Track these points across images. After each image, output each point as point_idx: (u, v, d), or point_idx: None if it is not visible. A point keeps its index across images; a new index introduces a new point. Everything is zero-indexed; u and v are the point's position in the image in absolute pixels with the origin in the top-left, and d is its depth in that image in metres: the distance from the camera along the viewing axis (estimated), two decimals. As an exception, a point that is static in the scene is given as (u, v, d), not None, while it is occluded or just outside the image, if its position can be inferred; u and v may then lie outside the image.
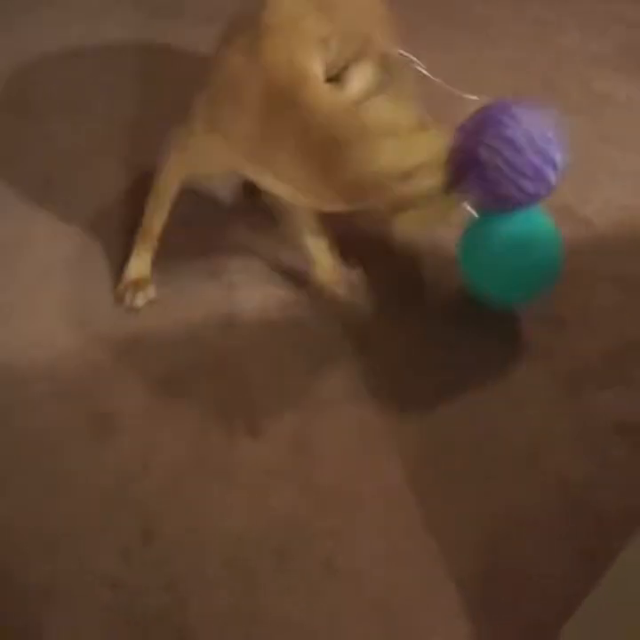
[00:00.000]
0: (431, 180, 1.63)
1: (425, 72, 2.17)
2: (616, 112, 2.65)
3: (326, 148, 1.61)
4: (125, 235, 2.05)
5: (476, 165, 1.71)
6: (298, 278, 2.03)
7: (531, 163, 1.72)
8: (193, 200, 2.12)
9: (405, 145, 1.62)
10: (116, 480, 1.65)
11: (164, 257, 2.00)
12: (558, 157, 1.75)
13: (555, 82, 2.75)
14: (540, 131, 1.73)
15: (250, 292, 1.99)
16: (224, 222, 2.14)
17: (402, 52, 2.04)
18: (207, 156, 1.83)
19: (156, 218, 1.94)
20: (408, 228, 1.84)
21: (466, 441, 1.78)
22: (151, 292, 1.94)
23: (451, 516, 1.64)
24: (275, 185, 1.74)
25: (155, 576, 1.52)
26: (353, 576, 1.55)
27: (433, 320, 1.99)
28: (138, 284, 1.93)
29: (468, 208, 1.87)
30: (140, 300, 1.92)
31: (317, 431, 1.76)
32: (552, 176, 1.75)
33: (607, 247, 2.23)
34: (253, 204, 2.12)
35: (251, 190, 2.11)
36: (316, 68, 1.78)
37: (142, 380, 1.80)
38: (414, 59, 2.14)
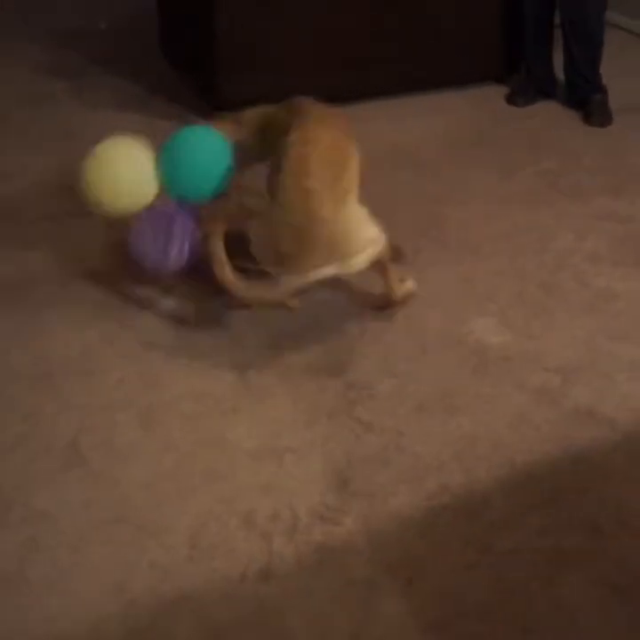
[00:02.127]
0: None
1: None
2: (618, 307, 2.74)
3: None
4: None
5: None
6: (330, 521, 2.03)
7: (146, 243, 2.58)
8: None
9: None
10: None
11: (192, 519, 2.04)
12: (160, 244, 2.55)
13: (554, 284, 2.84)
14: (152, 225, 2.57)
15: (284, 539, 1.98)
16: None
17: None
18: None
19: None
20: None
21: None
22: None
23: None
24: None
25: None
26: None
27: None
28: None
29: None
30: None
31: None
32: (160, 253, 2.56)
33: (633, 445, 2.25)
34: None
35: None
36: None
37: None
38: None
